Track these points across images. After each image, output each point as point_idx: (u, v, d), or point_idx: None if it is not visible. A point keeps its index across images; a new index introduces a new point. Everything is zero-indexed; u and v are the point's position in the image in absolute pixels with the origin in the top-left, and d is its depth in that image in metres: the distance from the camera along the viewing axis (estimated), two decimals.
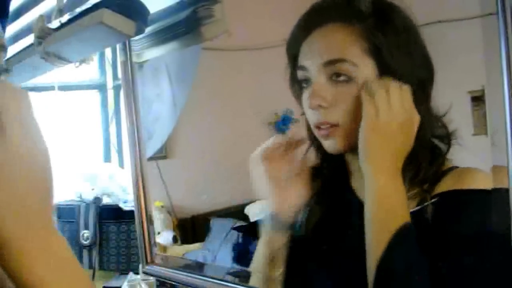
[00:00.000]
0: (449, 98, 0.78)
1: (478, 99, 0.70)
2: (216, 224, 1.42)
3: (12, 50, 1.18)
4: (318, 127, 0.64)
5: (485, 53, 0.61)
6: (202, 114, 1.60)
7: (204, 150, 1.64)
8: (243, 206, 1.49)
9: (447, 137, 0.65)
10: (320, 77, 0.63)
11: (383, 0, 0.63)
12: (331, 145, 0.64)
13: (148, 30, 1.08)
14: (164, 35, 1.19)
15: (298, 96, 0.69)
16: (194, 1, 1.06)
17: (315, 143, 0.70)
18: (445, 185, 0.62)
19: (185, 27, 1.13)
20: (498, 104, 0.57)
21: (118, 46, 1.35)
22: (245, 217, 1.43)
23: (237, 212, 1.48)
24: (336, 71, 0.62)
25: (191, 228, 1.56)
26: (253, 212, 1.45)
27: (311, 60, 0.64)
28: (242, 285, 1.03)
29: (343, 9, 0.63)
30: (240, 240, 1.23)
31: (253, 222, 1.41)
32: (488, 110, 0.61)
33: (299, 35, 0.66)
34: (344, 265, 0.67)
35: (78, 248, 1.65)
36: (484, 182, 0.58)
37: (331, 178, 0.71)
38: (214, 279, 1.12)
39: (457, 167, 0.64)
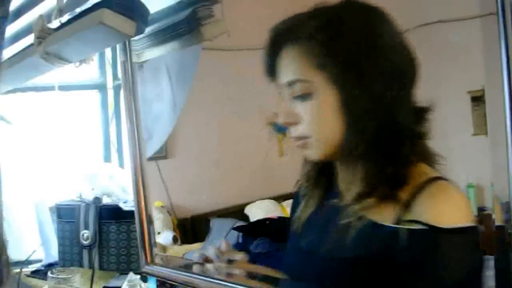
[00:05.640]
0: (449, 98, 0.78)
1: (478, 99, 0.70)
2: (216, 224, 1.42)
3: (12, 50, 1.18)
4: (295, 139, 0.69)
5: (485, 53, 0.61)
6: (202, 114, 1.60)
7: (204, 150, 1.64)
8: (243, 206, 1.49)
9: (418, 136, 0.64)
10: (286, 96, 0.68)
11: (332, 17, 0.67)
12: (309, 154, 0.69)
13: (148, 30, 1.08)
14: (164, 35, 1.19)
15: None
16: (194, 1, 1.07)
17: None
18: (422, 208, 0.60)
19: (185, 27, 1.13)
20: (498, 104, 0.57)
21: (118, 46, 1.35)
22: (245, 217, 1.43)
23: (237, 212, 1.47)
24: (295, 90, 0.67)
25: (191, 228, 1.56)
26: (253, 212, 1.45)
27: (280, 81, 0.70)
28: (242, 285, 1.03)
29: (296, 31, 0.68)
30: (240, 240, 1.23)
31: (253, 222, 1.41)
32: (488, 110, 0.61)
33: (270, 58, 0.71)
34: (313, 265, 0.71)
35: (78, 248, 1.65)
36: (461, 215, 0.58)
37: (319, 181, 0.74)
38: (214, 279, 1.12)
39: (439, 177, 0.62)
